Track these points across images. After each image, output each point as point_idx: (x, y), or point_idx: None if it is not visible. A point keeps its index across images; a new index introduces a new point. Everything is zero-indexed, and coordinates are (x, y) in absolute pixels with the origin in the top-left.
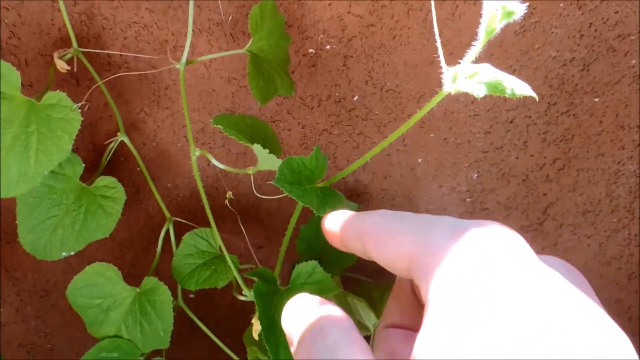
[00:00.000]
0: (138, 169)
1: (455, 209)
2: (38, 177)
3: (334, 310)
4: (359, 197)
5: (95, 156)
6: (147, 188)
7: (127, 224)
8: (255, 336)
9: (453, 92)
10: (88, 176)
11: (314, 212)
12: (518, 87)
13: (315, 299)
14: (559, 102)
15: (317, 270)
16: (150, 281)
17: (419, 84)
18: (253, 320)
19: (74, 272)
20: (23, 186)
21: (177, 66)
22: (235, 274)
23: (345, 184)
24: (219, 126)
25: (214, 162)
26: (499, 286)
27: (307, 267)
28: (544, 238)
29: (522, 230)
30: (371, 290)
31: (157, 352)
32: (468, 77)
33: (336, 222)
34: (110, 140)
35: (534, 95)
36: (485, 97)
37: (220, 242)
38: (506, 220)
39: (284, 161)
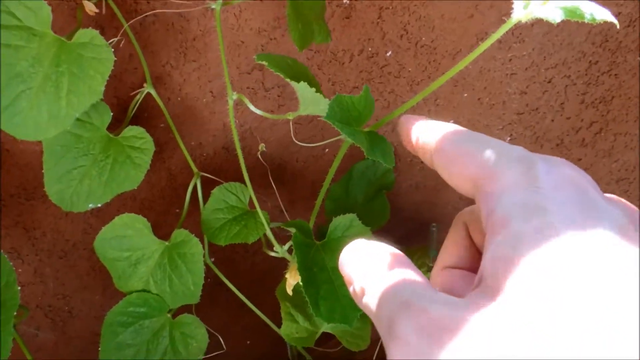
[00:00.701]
0: (162, 125)
1: None
2: (69, 120)
3: (405, 264)
4: None
5: (119, 110)
6: (170, 146)
7: (149, 183)
8: (289, 291)
9: (524, 20)
10: (112, 130)
11: (365, 153)
12: (598, 12)
13: (384, 247)
14: (601, 60)
15: (355, 223)
16: (180, 234)
17: (455, 40)
18: (287, 275)
19: (94, 232)
20: (53, 129)
21: (213, 6)
22: (267, 228)
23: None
24: (263, 62)
25: (251, 107)
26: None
27: (345, 220)
28: None
29: None
30: None
31: (184, 310)
32: (542, 3)
33: (410, 125)
34: (136, 91)
35: (615, 21)
36: (523, 54)
37: (252, 195)
38: None
39: (334, 98)
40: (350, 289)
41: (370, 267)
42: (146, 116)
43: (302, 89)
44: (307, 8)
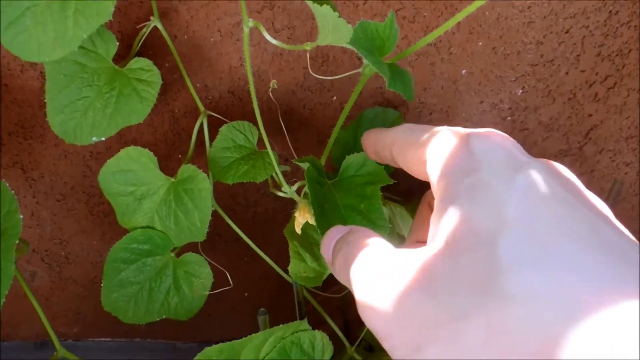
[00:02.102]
0: (167, 65)
1: (493, 127)
2: (76, 41)
3: (358, 227)
4: (396, 110)
5: (122, 46)
6: (174, 87)
7: (151, 126)
8: (298, 230)
9: None
10: (117, 64)
11: (387, 83)
12: None
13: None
14: (622, 10)
15: (369, 162)
16: (187, 169)
17: None
18: (296, 214)
19: (93, 175)
20: (59, 50)
21: None
22: (276, 167)
23: (382, 94)
24: None
25: (267, 36)
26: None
27: (358, 159)
28: (582, 164)
29: (560, 154)
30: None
31: (188, 250)
32: None
33: (370, 138)
34: (142, 24)
35: None
36: (543, 1)
37: (263, 133)
38: (545, 143)
39: (359, 24)
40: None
41: (340, 243)
42: (150, 54)
43: (323, 13)
44: None
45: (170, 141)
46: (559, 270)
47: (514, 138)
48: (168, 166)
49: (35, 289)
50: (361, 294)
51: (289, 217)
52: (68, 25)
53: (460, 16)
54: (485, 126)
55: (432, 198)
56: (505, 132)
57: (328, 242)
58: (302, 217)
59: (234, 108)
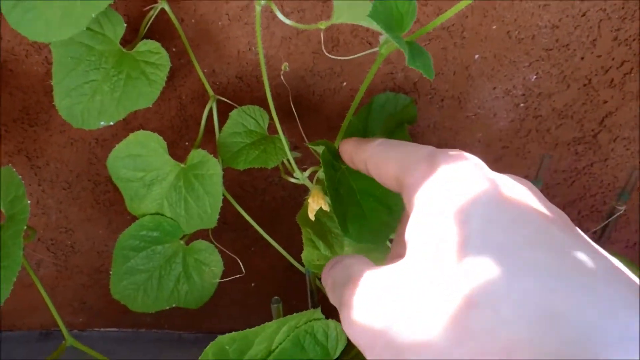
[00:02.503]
0: (174, 49)
1: (505, 114)
2: (84, 20)
3: (352, 255)
4: (407, 96)
5: (129, 30)
6: (181, 72)
7: (158, 112)
8: (311, 216)
9: None
10: (124, 47)
11: (407, 60)
12: None
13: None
14: None
15: None
16: (197, 154)
17: None
18: (309, 200)
19: (99, 163)
20: (67, 29)
21: None
22: (288, 152)
23: (393, 80)
24: None
25: (280, 15)
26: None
27: None
28: (595, 152)
29: (573, 142)
30: None
31: (199, 236)
32: None
33: (348, 147)
34: (149, 7)
35: None
36: None
37: (275, 117)
38: (558, 130)
39: None
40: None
41: (330, 269)
42: (157, 38)
43: None
44: None
45: (177, 127)
46: (517, 274)
47: (527, 125)
48: (175, 153)
49: (40, 278)
50: (346, 311)
51: (298, 206)
52: (76, 3)
53: None
54: (498, 112)
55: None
56: (518, 119)
57: (326, 271)
58: (316, 204)
59: (242, 93)
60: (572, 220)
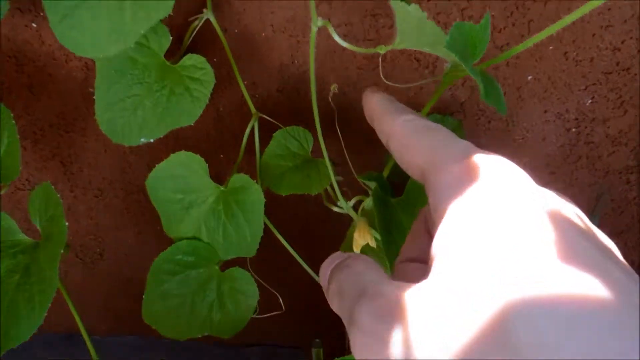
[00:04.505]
0: (215, 60)
1: (555, 139)
2: (132, 36)
3: (357, 254)
4: (452, 117)
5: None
6: (222, 84)
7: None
8: (357, 251)
9: None
10: (167, 58)
11: (481, 94)
12: None
13: (345, 253)
14: None
15: None
16: (239, 179)
17: None
18: (355, 235)
19: (133, 171)
20: (115, 45)
21: None
22: (333, 179)
23: (439, 99)
24: None
25: (337, 38)
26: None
27: None
28: None
29: (625, 171)
30: None
31: (233, 264)
32: None
33: (372, 106)
34: (194, 17)
35: None
36: (625, 2)
37: (321, 141)
38: (610, 157)
39: (455, 27)
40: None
41: (335, 269)
42: (199, 48)
43: (408, 12)
44: None
45: (213, 139)
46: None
47: (578, 151)
48: (211, 164)
49: (67, 283)
50: (360, 336)
51: (339, 234)
52: (125, 19)
53: (546, 33)
54: (548, 136)
55: (430, 216)
56: (569, 144)
57: (325, 268)
58: (362, 239)
59: (282, 107)
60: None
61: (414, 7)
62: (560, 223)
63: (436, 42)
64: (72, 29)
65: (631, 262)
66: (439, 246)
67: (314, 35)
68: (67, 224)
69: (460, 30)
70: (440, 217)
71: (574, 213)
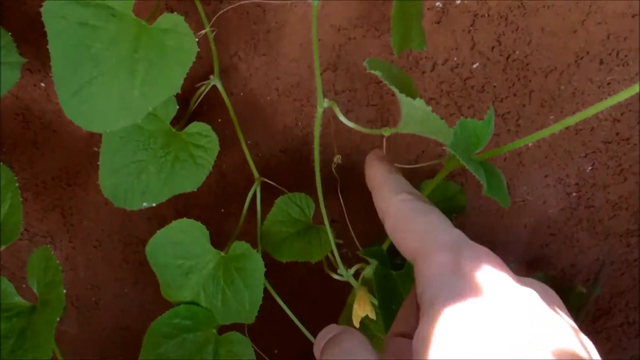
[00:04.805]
0: (219, 120)
1: (556, 202)
2: (141, 113)
3: (351, 329)
4: (453, 179)
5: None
6: (226, 143)
7: None
8: (356, 323)
9: None
10: (171, 124)
11: (484, 190)
12: None
13: (339, 327)
14: None
15: None
16: (240, 246)
17: (551, 57)
18: (355, 305)
19: (133, 225)
20: (123, 120)
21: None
22: (334, 247)
23: (440, 163)
24: (376, 72)
25: (342, 118)
26: (478, 308)
27: None
28: None
29: (626, 234)
30: None
31: (232, 327)
32: None
33: (372, 174)
34: (201, 83)
35: None
36: (624, 78)
37: (323, 209)
38: (611, 221)
39: (460, 123)
40: None
41: (328, 344)
42: (204, 110)
43: (414, 106)
44: (410, 9)
45: (214, 194)
46: None
47: (578, 214)
48: (211, 223)
49: (61, 332)
50: None
51: (339, 302)
52: (134, 96)
53: (562, 124)
54: (548, 200)
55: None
56: (569, 208)
57: (319, 341)
58: (362, 310)
59: (284, 168)
60: (619, 311)
61: (419, 102)
62: (536, 327)
63: (440, 133)
64: (81, 104)
65: (632, 322)
66: (420, 339)
67: (319, 117)
68: (64, 291)
69: (464, 127)
70: (424, 307)
71: (552, 312)
